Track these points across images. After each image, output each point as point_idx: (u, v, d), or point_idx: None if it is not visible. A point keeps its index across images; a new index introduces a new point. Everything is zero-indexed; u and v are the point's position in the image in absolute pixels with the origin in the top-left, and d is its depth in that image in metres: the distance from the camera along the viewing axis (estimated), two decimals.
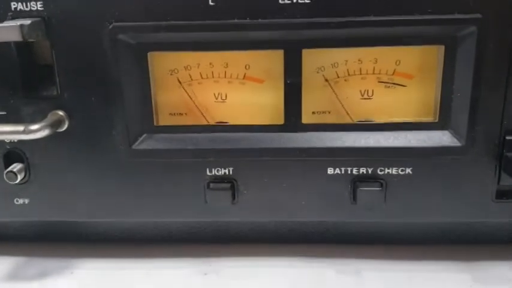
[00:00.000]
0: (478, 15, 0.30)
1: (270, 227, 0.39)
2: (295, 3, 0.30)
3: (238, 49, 0.33)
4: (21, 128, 0.32)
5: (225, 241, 0.39)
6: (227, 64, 0.34)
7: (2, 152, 0.35)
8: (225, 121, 0.35)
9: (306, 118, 0.34)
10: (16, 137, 0.32)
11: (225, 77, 0.34)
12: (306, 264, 0.37)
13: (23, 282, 0.37)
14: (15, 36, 0.30)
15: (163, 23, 0.31)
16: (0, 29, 0.30)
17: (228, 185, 0.35)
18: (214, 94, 0.35)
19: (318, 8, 0.30)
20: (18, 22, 0.30)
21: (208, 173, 0.35)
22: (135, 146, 0.34)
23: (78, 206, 0.36)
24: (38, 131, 0.32)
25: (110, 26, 0.31)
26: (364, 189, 0.34)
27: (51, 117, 0.33)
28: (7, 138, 0.33)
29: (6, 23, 0.30)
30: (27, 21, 0.30)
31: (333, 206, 0.35)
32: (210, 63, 0.34)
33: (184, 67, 0.34)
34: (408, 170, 0.34)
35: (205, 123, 0.35)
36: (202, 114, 0.35)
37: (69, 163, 0.35)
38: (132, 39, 0.32)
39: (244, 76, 0.34)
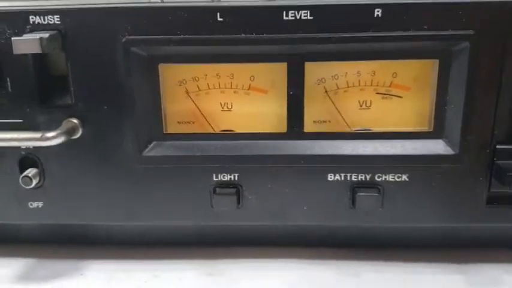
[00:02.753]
0: (471, 32, 0.32)
1: (273, 230, 0.40)
2: (298, 19, 0.32)
3: (244, 61, 0.35)
4: (38, 135, 0.34)
5: (230, 243, 0.41)
6: (233, 75, 0.36)
7: (17, 158, 0.37)
8: (230, 129, 0.37)
9: (308, 127, 0.36)
10: (33, 144, 0.34)
11: (231, 87, 0.36)
12: (307, 266, 0.39)
13: (34, 283, 0.38)
14: (36, 49, 0.31)
15: (174, 36, 0.33)
16: (21, 41, 0.31)
17: (233, 190, 0.36)
18: (221, 103, 0.37)
19: (320, 24, 0.32)
20: (38, 35, 0.32)
21: (214, 179, 0.36)
22: (145, 153, 0.36)
23: (89, 209, 0.38)
24: (53, 138, 0.34)
25: (123, 39, 0.33)
26: (362, 194, 0.35)
27: (65, 125, 0.35)
28: (24, 144, 0.35)
29: (26, 36, 0.32)
30: (46, 35, 0.32)
31: (332, 211, 0.36)
32: (217, 75, 0.36)
33: (193, 78, 0.36)
34: (404, 177, 0.35)
35: (211, 131, 0.37)
36: (208, 122, 0.37)
37: (81, 169, 0.36)
38: (144, 52, 0.34)
39: (249, 87, 0.36)
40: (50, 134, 0.34)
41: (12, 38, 0.32)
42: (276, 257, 0.40)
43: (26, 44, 0.31)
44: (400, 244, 0.40)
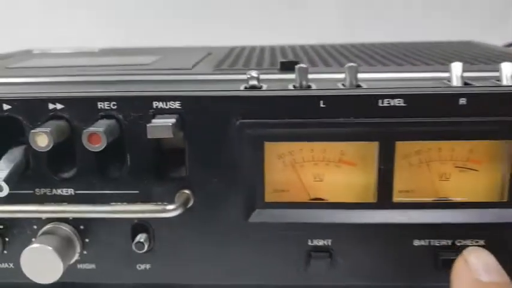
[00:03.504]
0: None
1: None
2: (392, 106, 0.37)
3: (339, 140, 0.39)
4: (159, 207, 0.38)
5: None
6: (325, 150, 0.40)
7: (130, 224, 0.40)
8: (321, 197, 0.41)
9: (396, 197, 0.40)
10: (154, 215, 0.38)
11: (323, 160, 0.41)
12: None
13: None
14: (167, 134, 0.35)
15: (281, 120, 0.38)
16: (155, 127, 0.35)
17: (327, 254, 0.40)
18: (313, 174, 0.41)
19: (411, 109, 0.37)
20: (169, 122, 0.36)
21: (309, 244, 0.40)
22: (250, 220, 0.40)
23: (194, 270, 0.41)
24: (173, 211, 0.38)
25: (237, 123, 0.38)
26: (444, 258, 0.39)
27: (181, 197, 0.39)
28: (146, 216, 0.38)
29: (158, 122, 0.36)
30: (173, 120, 0.36)
31: (418, 272, 0.40)
32: (311, 150, 0.40)
33: (290, 152, 0.40)
34: (481, 242, 0.40)
35: (304, 199, 0.41)
36: (302, 191, 0.41)
37: (189, 234, 0.40)
38: (254, 132, 0.38)
39: (339, 160, 0.40)
40: (170, 207, 0.38)
41: (147, 125, 0.35)
42: None
43: (160, 129, 0.35)
44: None
